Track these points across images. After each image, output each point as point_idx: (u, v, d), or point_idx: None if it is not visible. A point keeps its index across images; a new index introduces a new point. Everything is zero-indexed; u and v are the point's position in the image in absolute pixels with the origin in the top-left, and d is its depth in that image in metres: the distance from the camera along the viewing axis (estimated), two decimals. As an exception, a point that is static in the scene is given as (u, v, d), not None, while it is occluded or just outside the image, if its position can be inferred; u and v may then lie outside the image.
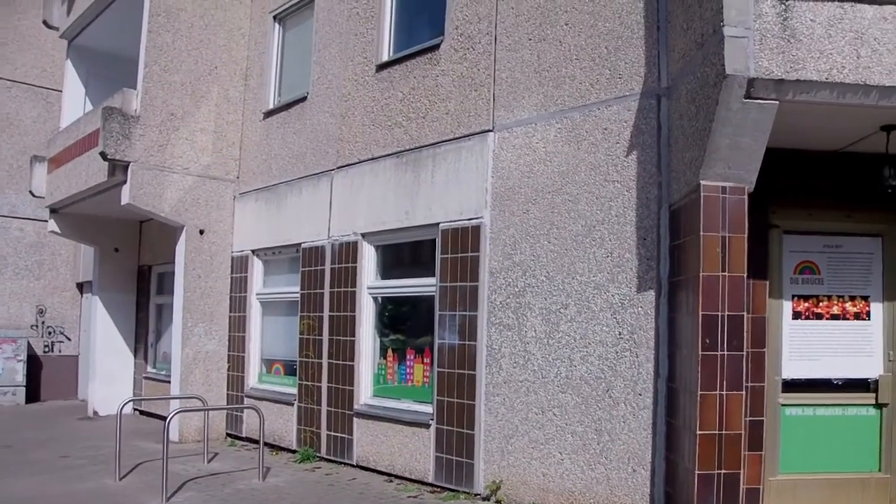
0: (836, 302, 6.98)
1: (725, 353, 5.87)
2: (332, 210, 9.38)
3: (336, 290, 9.18)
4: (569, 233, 7.11)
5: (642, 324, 6.61)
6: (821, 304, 6.96)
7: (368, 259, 8.98)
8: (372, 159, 8.94)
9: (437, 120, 8.30)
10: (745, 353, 5.90)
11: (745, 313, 5.91)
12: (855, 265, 7.04)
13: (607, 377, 6.80)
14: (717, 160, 5.84)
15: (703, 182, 5.91)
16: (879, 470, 6.96)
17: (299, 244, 9.79)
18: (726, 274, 5.88)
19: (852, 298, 7.00)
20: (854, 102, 5.62)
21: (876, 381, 6.96)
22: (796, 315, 6.92)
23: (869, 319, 7.02)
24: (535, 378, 7.26)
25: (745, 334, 5.92)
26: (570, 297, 7.07)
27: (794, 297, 6.93)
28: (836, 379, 6.95)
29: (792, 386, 6.89)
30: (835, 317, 6.98)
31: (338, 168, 9.40)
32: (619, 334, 6.73)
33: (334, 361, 9.14)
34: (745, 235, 5.93)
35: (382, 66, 8.98)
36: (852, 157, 6.81)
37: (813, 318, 6.95)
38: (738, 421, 5.88)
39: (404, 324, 8.81)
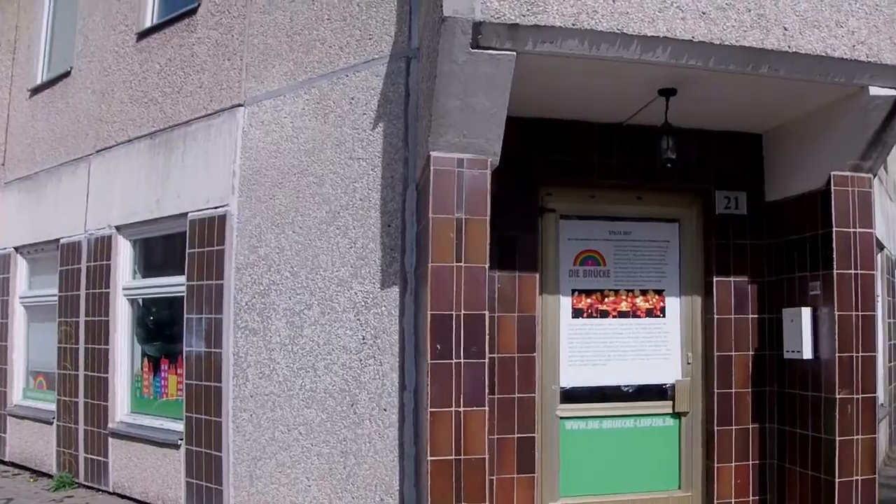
0: (625, 297, 5.79)
1: (462, 361, 4.57)
2: (88, 200, 7.78)
3: (92, 291, 7.58)
4: (313, 220, 5.73)
5: (386, 326, 5.28)
6: (607, 299, 5.76)
7: (124, 255, 7.40)
8: (128, 141, 7.39)
9: (190, 94, 6.82)
10: (486, 360, 4.61)
11: (486, 312, 4.62)
12: (647, 255, 5.88)
13: (352, 390, 5.44)
14: (448, 126, 4.54)
15: (433, 154, 4.62)
16: (679, 487, 5.83)
17: (59, 240, 8.13)
18: (462, 265, 4.59)
19: (644, 293, 5.82)
20: (611, 55, 4.41)
21: (673, 387, 5.80)
22: (577, 313, 5.70)
23: (664, 317, 5.86)
24: (280, 391, 5.85)
25: (487, 337, 4.62)
26: (314, 296, 5.69)
27: (574, 292, 5.71)
28: (626, 386, 5.77)
29: (573, 395, 5.68)
30: (623, 314, 5.79)
31: (96, 152, 7.80)
32: (363, 339, 5.39)
33: (90, 373, 7.55)
34: (488, 218, 4.65)
35: (143, 35, 7.43)
36: (640, 131, 5.66)
37: (597, 317, 5.74)
38: (480, 443, 4.59)
39: (160, 329, 7.28)
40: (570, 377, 5.64)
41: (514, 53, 4.29)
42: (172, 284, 6.84)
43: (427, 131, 4.61)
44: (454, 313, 4.57)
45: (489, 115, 4.51)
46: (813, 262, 5.36)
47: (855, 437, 5.04)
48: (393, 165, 5.32)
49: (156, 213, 6.92)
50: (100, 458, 7.37)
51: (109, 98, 7.70)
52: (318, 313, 5.66)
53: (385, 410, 5.26)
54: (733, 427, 5.72)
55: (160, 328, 7.28)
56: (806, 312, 5.33)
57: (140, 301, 7.42)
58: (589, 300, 5.70)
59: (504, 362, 5.29)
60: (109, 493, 7.31)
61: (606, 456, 5.69)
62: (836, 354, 5.10)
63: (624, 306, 5.76)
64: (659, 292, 5.83)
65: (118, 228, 7.36)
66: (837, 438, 5.02)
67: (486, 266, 4.61)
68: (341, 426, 5.49)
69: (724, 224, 5.80)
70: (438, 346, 4.54)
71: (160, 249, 7.41)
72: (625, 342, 5.77)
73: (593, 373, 5.70)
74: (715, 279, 5.74)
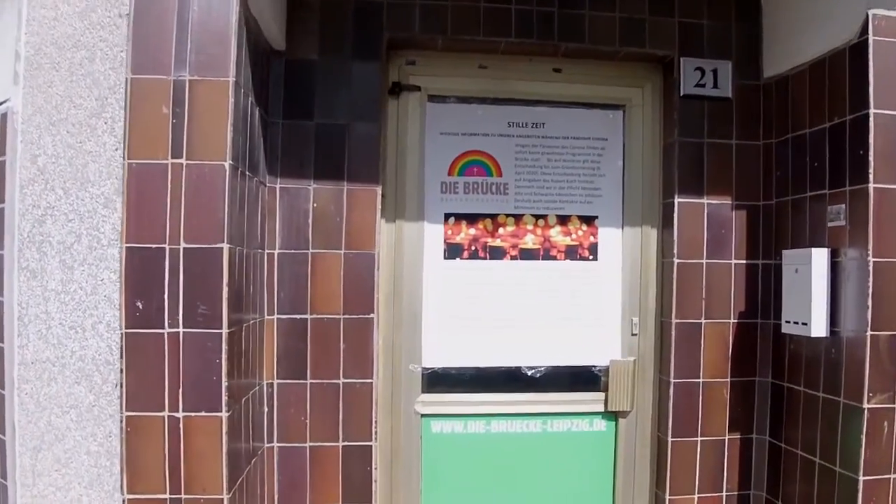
0: (532, 227, 3.55)
1: (181, 330, 2.51)
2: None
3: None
4: (84, 113, 3.61)
5: (145, 269, 3.18)
6: (502, 230, 3.51)
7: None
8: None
9: (-5, -43, 4.77)
10: (225, 330, 2.48)
11: (226, 244, 2.48)
12: (570, 161, 3.60)
13: (117, 361, 3.39)
14: None
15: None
16: (613, 525, 3.60)
17: None
18: (184, 162, 2.47)
19: (564, 221, 3.57)
20: None
21: (606, 372, 3.55)
22: (453, 251, 3.47)
23: (596, 259, 3.58)
24: (55, 357, 3.80)
25: (227, 288, 2.49)
26: (83, 223, 3.59)
27: (448, 217, 3.47)
28: (530, 368, 3.54)
29: (443, 381, 3.47)
30: (529, 254, 3.55)
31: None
32: (125, 287, 3.31)
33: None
34: (232, 79, 2.48)
35: None
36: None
37: (485, 257, 3.51)
38: (212, 472, 2.56)
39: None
40: (440, 353, 3.44)
41: None
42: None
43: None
44: (168, 247, 2.48)
45: None
46: (835, 171, 3.00)
47: (893, 477, 2.73)
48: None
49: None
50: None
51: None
52: (86, 248, 3.59)
53: (148, 396, 3.21)
54: (699, 438, 3.46)
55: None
56: (819, 257, 3.00)
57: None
58: (473, 231, 3.46)
59: (322, 328, 3.15)
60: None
61: (498, 476, 3.51)
62: (868, 332, 2.77)
63: (531, 241, 3.50)
64: (588, 221, 3.55)
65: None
66: (862, 478, 2.72)
67: (229, 164, 2.47)
68: (107, 414, 3.46)
69: (695, 112, 3.44)
70: (139, 305, 2.48)
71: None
72: (531, 299, 3.53)
73: (477, 347, 3.48)
74: (677, 201, 3.43)
